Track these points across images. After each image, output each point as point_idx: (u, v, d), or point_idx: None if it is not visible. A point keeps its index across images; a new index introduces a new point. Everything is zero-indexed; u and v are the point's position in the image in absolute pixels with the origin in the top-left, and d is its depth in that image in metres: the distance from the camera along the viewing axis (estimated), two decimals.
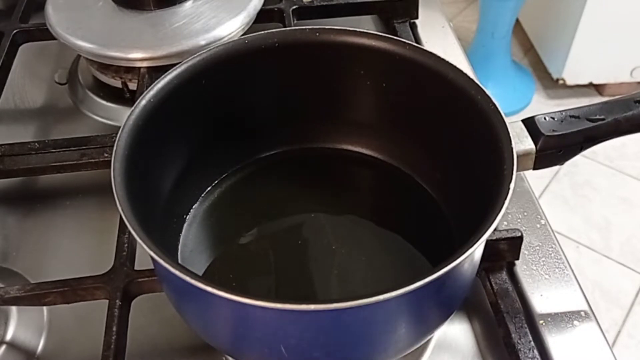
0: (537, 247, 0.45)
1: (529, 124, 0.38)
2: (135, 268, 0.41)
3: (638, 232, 1.47)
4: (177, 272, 0.29)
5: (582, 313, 0.41)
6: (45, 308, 0.43)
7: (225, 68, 0.41)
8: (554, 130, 0.37)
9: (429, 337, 0.40)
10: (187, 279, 0.29)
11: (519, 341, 0.38)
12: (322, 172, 0.47)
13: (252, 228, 0.44)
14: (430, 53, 0.40)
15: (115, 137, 0.35)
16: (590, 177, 1.59)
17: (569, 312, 0.41)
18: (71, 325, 0.43)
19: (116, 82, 0.57)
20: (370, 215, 0.45)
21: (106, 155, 0.47)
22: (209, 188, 0.45)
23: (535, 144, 0.37)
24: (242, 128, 0.45)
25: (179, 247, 0.42)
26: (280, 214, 0.45)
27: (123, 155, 0.35)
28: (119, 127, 0.36)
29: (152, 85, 0.38)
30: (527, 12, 1.84)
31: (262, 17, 0.58)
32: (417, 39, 0.62)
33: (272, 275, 0.41)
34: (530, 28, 1.91)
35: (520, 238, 0.42)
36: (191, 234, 0.42)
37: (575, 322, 0.40)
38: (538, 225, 0.46)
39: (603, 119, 0.37)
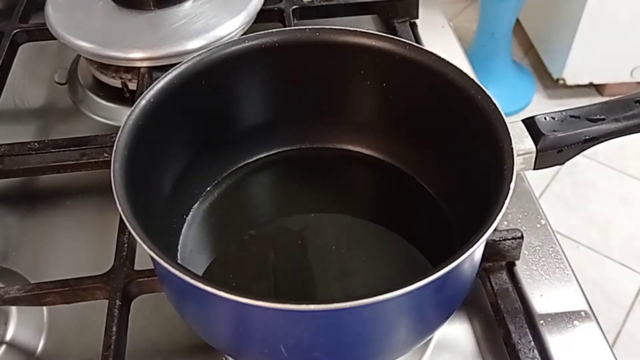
0: (537, 247, 0.45)
1: (529, 123, 0.38)
2: (135, 268, 0.41)
3: (638, 232, 1.47)
4: (177, 272, 0.29)
5: (582, 313, 0.41)
6: (45, 308, 0.43)
7: (225, 68, 0.41)
8: (554, 130, 0.37)
9: (429, 337, 0.40)
10: (187, 279, 0.29)
11: (519, 341, 0.38)
12: (322, 172, 0.47)
13: (252, 228, 0.44)
14: (430, 53, 0.40)
15: (115, 137, 0.35)
16: (590, 177, 1.59)
17: (569, 312, 0.41)
18: (71, 325, 0.43)
19: (116, 82, 0.57)
20: (370, 215, 0.45)
21: (106, 155, 0.47)
22: (209, 188, 0.45)
23: (536, 144, 0.37)
24: (242, 128, 0.45)
25: (179, 247, 0.42)
26: (280, 214, 0.45)
27: (123, 155, 0.35)
28: (119, 127, 0.36)
29: (152, 85, 0.38)
30: (527, 12, 1.84)
31: (262, 17, 0.58)
32: (417, 39, 0.62)
33: (272, 275, 0.41)
34: (531, 28, 1.91)
35: (521, 238, 0.42)
36: (191, 234, 0.42)
37: (576, 322, 0.40)
38: (538, 225, 0.46)
39: (603, 119, 0.37)
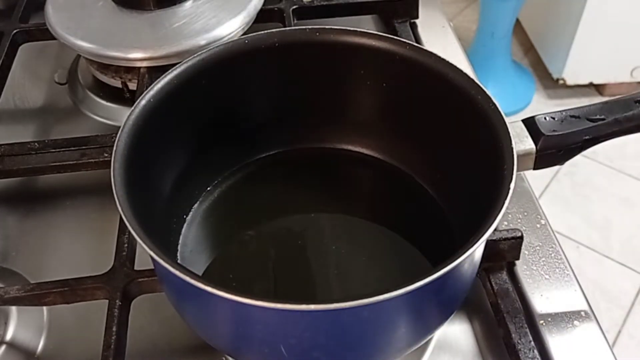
0: (537, 247, 0.45)
1: (529, 124, 0.38)
2: (135, 268, 0.41)
3: (638, 232, 1.47)
4: (177, 272, 0.29)
5: (582, 313, 0.41)
6: (45, 308, 0.43)
7: (225, 68, 0.41)
8: (554, 130, 0.37)
9: (429, 337, 0.40)
10: (187, 279, 0.29)
11: (519, 341, 0.38)
12: (322, 172, 0.47)
13: (252, 228, 0.44)
14: (430, 53, 0.40)
15: (115, 137, 0.35)
16: (590, 177, 1.59)
17: (569, 312, 0.41)
18: (71, 325, 0.43)
19: (116, 82, 0.57)
20: (370, 215, 0.45)
21: (106, 155, 0.47)
22: (209, 188, 0.45)
23: (536, 144, 0.37)
24: (242, 128, 0.45)
25: (179, 247, 0.42)
26: (280, 214, 0.45)
27: (123, 155, 0.35)
28: (119, 127, 0.36)
29: (152, 85, 0.38)
30: (527, 12, 1.84)
31: (262, 17, 0.58)
32: (417, 39, 0.62)
33: (272, 275, 0.41)
34: (531, 28, 1.91)
35: (521, 238, 0.42)
36: (191, 234, 0.42)
37: (576, 322, 0.40)
38: (538, 225, 0.46)
39: (603, 119, 0.37)
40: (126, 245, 0.42)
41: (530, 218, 0.47)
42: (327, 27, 0.42)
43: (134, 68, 0.55)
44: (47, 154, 0.48)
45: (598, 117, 0.37)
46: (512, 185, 0.32)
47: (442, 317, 0.35)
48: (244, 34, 0.54)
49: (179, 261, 0.41)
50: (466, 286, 0.36)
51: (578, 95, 1.77)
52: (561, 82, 1.75)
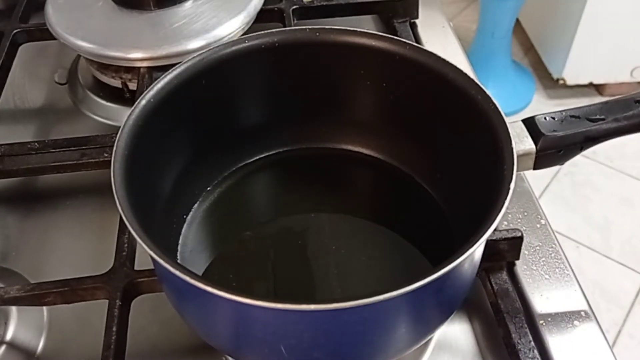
0: (537, 247, 0.45)
1: (529, 124, 0.38)
2: (135, 268, 0.41)
3: (638, 232, 1.47)
4: (177, 272, 0.29)
5: (582, 313, 0.41)
6: (45, 308, 0.43)
7: (225, 68, 0.41)
8: (554, 130, 0.37)
9: (429, 337, 0.40)
10: (187, 279, 0.29)
11: (519, 341, 0.38)
12: (322, 172, 0.47)
13: (252, 228, 0.44)
14: (430, 53, 0.40)
15: (115, 137, 0.35)
16: (590, 177, 1.60)
17: (569, 312, 0.41)
18: (71, 325, 0.43)
19: (116, 82, 0.57)
20: (370, 215, 0.45)
21: (106, 155, 0.47)
22: (209, 188, 0.45)
23: (536, 144, 0.37)
24: (242, 128, 0.45)
25: (179, 247, 0.42)
26: (280, 214, 0.45)
27: (123, 155, 0.35)
28: (119, 127, 0.36)
29: (152, 85, 0.38)
30: (527, 12, 1.84)
31: (262, 17, 0.58)
32: (417, 39, 0.62)
33: (272, 275, 0.41)
34: (530, 28, 1.91)
35: (521, 238, 0.42)
36: (191, 234, 0.42)
37: (575, 322, 0.40)
38: (538, 225, 0.46)
39: (603, 119, 0.37)
40: (126, 245, 0.42)
41: (530, 218, 0.47)
42: (327, 27, 0.42)
43: (134, 68, 0.55)
44: (47, 154, 0.48)
45: (598, 117, 0.37)
46: (512, 185, 0.32)
47: (442, 317, 0.35)
48: (244, 34, 0.54)
49: (179, 261, 0.41)
50: (466, 286, 0.36)
51: (578, 95, 1.77)
52: (561, 82, 1.75)
